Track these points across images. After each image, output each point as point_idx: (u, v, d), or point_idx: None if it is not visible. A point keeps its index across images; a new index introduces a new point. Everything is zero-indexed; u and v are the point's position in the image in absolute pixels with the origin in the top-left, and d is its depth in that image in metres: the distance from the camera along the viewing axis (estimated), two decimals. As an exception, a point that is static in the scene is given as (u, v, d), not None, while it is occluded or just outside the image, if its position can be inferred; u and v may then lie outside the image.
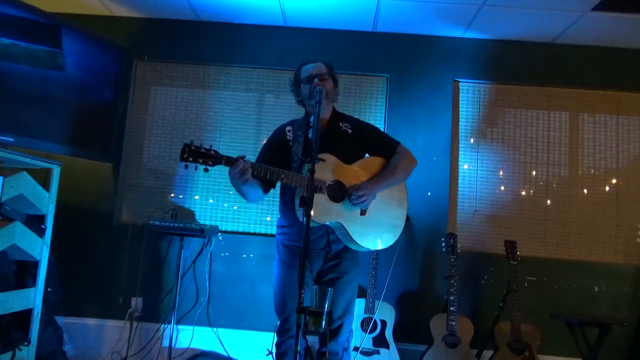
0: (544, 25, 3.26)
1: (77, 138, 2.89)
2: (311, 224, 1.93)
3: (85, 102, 2.96)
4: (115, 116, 3.24)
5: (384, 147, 2.25)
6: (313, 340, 2.46)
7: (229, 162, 1.84)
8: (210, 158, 1.81)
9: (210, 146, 1.84)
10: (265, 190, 2.15)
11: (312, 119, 2.15)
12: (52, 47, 2.72)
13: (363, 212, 2.08)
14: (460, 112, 3.54)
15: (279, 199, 2.29)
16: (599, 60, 3.47)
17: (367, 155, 2.26)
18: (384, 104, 3.53)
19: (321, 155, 2.00)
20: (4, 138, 2.39)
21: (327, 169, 2.03)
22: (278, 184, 2.17)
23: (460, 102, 3.55)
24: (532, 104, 3.53)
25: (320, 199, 1.98)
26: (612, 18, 3.06)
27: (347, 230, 2.03)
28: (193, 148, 1.79)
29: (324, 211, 1.99)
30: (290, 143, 2.16)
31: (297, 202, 1.96)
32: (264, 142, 2.39)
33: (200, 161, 1.80)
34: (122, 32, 3.51)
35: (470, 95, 3.56)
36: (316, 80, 2.10)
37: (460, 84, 3.56)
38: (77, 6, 3.41)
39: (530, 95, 3.53)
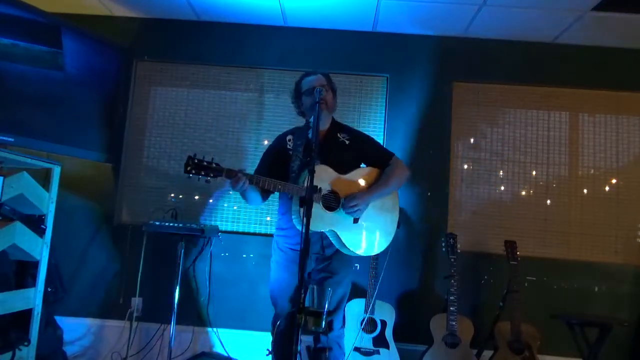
0: (544, 25, 3.26)
1: (77, 138, 2.89)
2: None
3: (85, 102, 2.96)
4: (115, 116, 3.24)
5: (378, 158, 2.34)
6: (308, 339, 2.47)
7: (230, 174, 1.95)
8: (212, 171, 1.93)
9: (212, 159, 1.95)
10: (264, 197, 2.26)
11: (311, 119, 2.19)
12: (52, 47, 2.72)
13: (356, 220, 2.16)
14: (460, 112, 3.54)
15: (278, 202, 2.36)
16: (599, 60, 3.47)
17: (363, 165, 2.33)
18: (384, 104, 3.53)
19: (317, 167, 2.05)
20: (4, 138, 2.39)
21: (323, 178, 2.10)
22: None
23: (460, 102, 3.54)
24: (532, 104, 3.53)
25: (315, 207, 2.03)
26: (612, 18, 3.06)
27: (340, 238, 2.12)
28: (196, 161, 1.91)
29: (318, 219, 2.05)
30: (290, 152, 2.24)
31: (294, 204, 2.05)
32: (266, 144, 2.45)
33: (203, 173, 1.91)
34: (122, 32, 3.51)
35: (470, 95, 3.56)
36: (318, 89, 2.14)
37: (460, 83, 3.55)
38: (77, 6, 3.41)
39: (530, 95, 3.53)
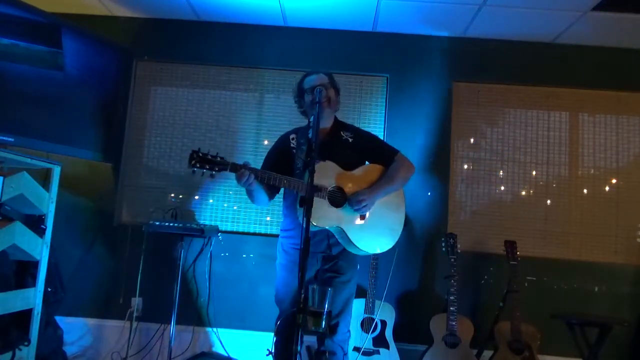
0: (544, 25, 3.26)
1: (77, 138, 2.89)
2: (313, 228, 1.99)
3: (85, 102, 2.96)
4: (115, 116, 3.24)
5: (383, 155, 2.32)
6: (312, 340, 2.47)
7: (235, 168, 1.93)
8: (217, 164, 1.91)
9: (217, 153, 1.92)
10: (270, 195, 2.24)
11: (312, 119, 2.18)
12: (52, 47, 2.71)
13: (362, 217, 2.14)
14: (460, 112, 3.54)
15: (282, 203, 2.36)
16: (599, 60, 3.47)
17: (367, 162, 2.32)
18: (384, 104, 3.53)
19: (322, 163, 2.07)
20: (4, 138, 2.39)
21: (328, 175, 2.10)
22: (282, 189, 2.22)
23: (460, 102, 3.54)
24: (532, 104, 3.53)
25: (321, 204, 2.04)
26: (612, 18, 3.06)
27: (347, 235, 2.09)
28: (200, 155, 1.89)
29: (325, 216, 2.05)
30: (294, 151, 2.23)
31: (299, 202, 2.03)
32: (267, 144, 2.44)
33: (207, 167, 1.89)
34: (122, 32, 3.51)
35: (470, 95, 3.56)
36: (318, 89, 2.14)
37: (460, 83, 3.56)
38: (77, 6, 3.41)
39: (530, 95, 3.53)
